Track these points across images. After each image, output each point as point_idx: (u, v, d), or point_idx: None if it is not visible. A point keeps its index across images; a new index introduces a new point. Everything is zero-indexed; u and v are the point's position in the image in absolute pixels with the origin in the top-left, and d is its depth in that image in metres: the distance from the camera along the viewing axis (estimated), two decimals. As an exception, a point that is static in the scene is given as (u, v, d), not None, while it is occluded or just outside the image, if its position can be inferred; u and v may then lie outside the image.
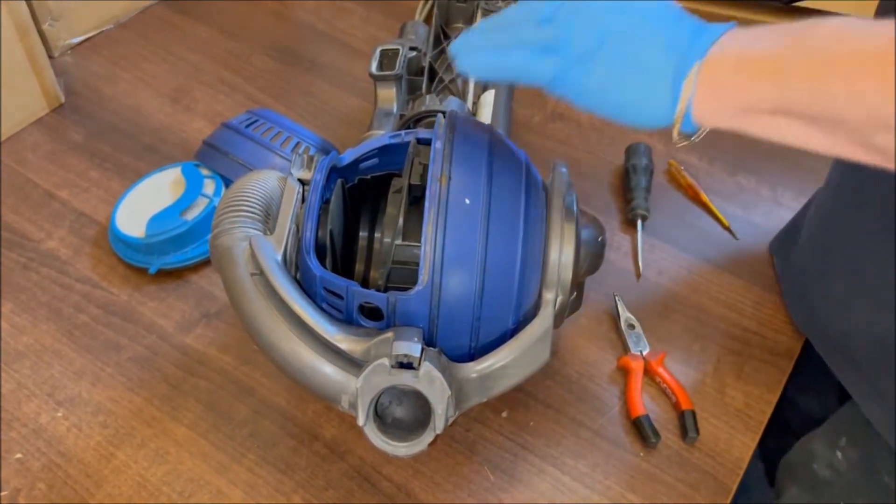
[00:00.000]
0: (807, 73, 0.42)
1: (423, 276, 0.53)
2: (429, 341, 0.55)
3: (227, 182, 0.81)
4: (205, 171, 0.82)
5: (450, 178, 0.54)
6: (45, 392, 0.71)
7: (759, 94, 0.45)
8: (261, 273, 0.55)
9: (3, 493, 0.65)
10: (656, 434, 0.66)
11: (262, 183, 0.61)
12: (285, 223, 0.58)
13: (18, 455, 0.67)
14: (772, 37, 0.45)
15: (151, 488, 0.65)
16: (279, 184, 0.61)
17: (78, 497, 0.65)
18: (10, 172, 0.89)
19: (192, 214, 0.78)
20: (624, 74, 0.49)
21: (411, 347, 0.52)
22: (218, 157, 0.82)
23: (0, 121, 0.90)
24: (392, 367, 0.51)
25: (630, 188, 0.83)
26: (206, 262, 0.79)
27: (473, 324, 0.55)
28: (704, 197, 0.84)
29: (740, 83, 0.46)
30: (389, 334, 0.53)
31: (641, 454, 0.67)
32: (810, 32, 0.43)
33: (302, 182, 0.57)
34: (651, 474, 0.66)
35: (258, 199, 0.59)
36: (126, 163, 0.90)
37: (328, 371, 0.53)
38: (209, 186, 0.81)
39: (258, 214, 0.59)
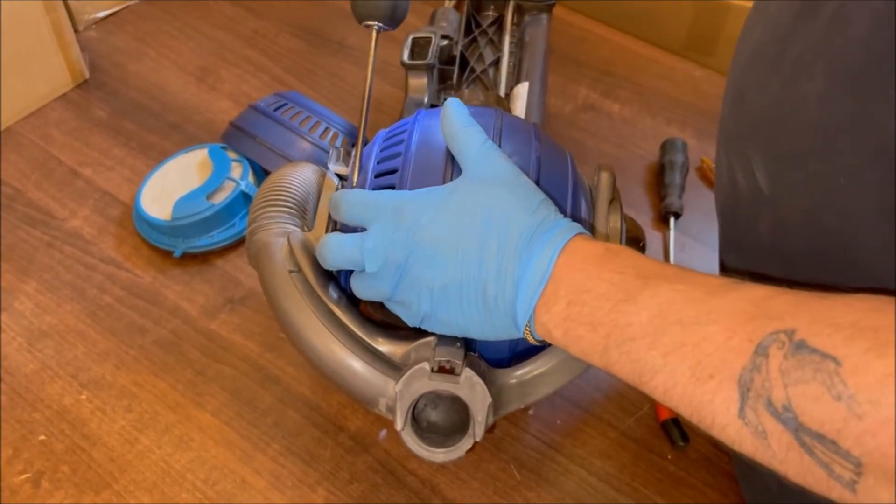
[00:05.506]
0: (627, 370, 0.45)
1: None
2: (468, 346, 0.54)
3: (255, 166, 0.80)
4: (232, 154, 0.81)
5: None
6: (68, 373, 0.70)
7: (589, 358, 0.47)
8: (299, 271, 0.54)
9: (26, 476, 0.64)
10: (685, 437, 0.66)
11: (298, 176, 0.59)
12: (323, 219, 0.57)
13: (42, 437, 0.67)
14: (596, 306, 0.45)
15: (175, 475, 0.65)
16: (316, 177, 0.60)
17: (101, 481, 0.64)
18: (34, 148, 0.88)
19: (219, 198, 0.77)
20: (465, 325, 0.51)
21: (454, 353, 0.51)
22: (245, 139, 0.81)
23: (23, 96, 0.89)
24: (433, 371, 0.51)
25: (664, 184, 0.82)
26: (231, 247, 0.78)
27: None
28: (736, 195, 0.82)
29: (569, 344, 0.47)
30: (431, 338, 0.52)
31: (670, 457, 0.66)
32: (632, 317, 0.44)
33: (340, 177, 0.56)
34: (679, 478, 0.65)
35: (295, 194, 0.58)
36: (151, 142, 0.89)
37: (367, 374, 0.52)
38: (236, 170, 0.80)
39: (295, 209, 0.58)
